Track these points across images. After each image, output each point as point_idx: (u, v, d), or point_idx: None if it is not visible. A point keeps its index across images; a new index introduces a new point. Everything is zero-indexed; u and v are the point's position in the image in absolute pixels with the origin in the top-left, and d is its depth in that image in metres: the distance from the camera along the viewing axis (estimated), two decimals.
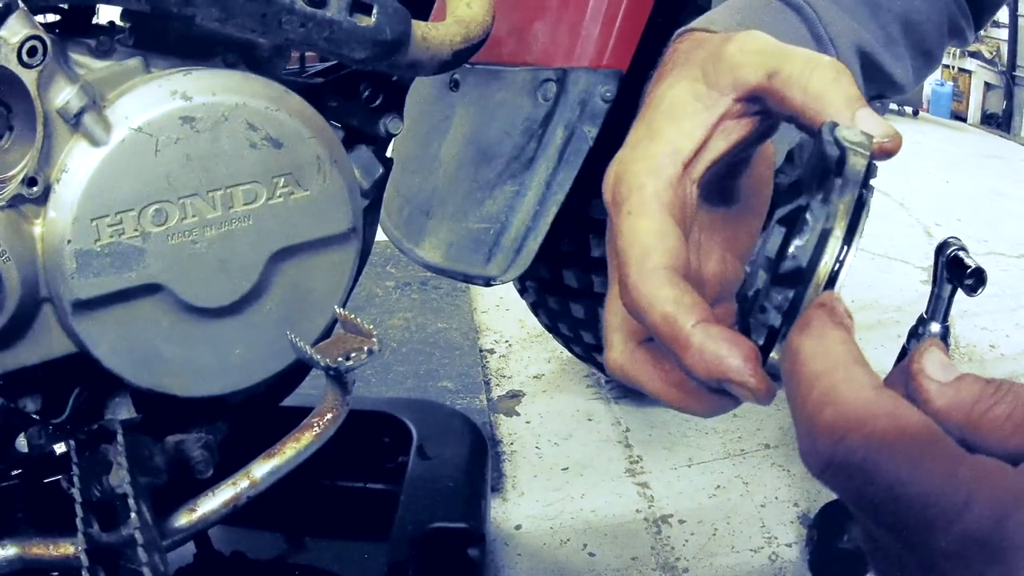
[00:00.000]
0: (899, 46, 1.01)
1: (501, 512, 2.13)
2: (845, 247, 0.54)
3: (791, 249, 0.55)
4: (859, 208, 0.54)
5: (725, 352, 0.56)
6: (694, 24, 0.77)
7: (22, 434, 1.08)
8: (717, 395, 0.61)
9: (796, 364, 0.50)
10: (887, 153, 0.58)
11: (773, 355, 0.56)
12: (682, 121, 0.64)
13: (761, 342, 0.57)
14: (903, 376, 0.52)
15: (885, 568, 0.50)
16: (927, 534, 0.44)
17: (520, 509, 2.16)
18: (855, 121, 0.58)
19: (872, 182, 0.57)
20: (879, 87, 1.02)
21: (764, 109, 0.64)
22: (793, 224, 0.56)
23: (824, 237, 0.54)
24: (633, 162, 0.64)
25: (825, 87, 0.59)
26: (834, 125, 0.55)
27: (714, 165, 0.65)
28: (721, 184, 0.70)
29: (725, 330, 0.57)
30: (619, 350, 0.67)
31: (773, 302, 0.56)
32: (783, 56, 0.62)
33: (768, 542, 2.05)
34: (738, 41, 0.64)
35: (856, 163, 0.54)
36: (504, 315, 3.17)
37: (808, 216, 0.55)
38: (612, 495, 2.22)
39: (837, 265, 0.54)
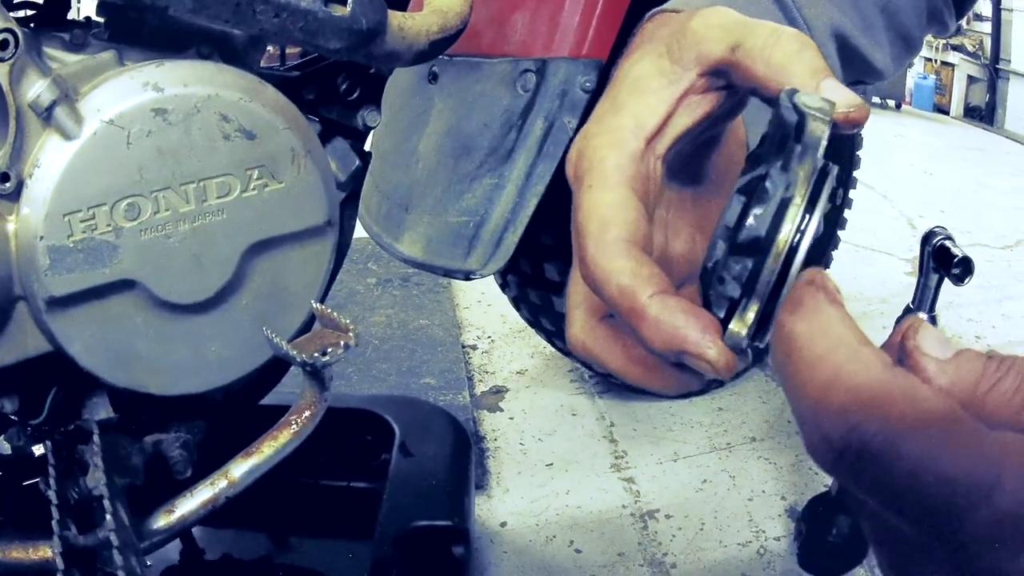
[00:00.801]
0: (877, 31, 1.00)
1: (486, 509, 2.12)
2: (807, 216, 0.52)
3: (750, 219, 0.53)
4: (822, 177, 0.53)
5: (682, 323, 0.54)
6: (665, 6, 0.76)
7: (2, 436, 1.07)
8: (678, 371, 0.59)
9: (792, 349, 0.48)
10: (853, 123, 0.57)
11: (732, 327, 0.54)
12: (646, 95, 0.64)
13: (722, 315, 0.55)
14: (893, 354, 0.50)
15: (901, 562, 0.49)
16: (955, 518, 0.42)
17: (505, 506, 2.14)
18: (820, 91, 0.56)
19: (855, 173, 0.56)
20: (857, 72, 1.01)
21: (729, 83, 0.64)
22: (752, 193, 0.54)
23: (784, 205, 0.52)
24: (595, 136, 0.64)
25: (788, 58, 0.59)
26: (793, 91, 0.53)
27: (680, 141, 0.65)
28: (690, 163, 0.70)
29: (683, 301, 0.55)
30: (580, 326, 0.66)
31: (732, 272, 0.54)
32: (746, 29, 0.61)
33: (756, 536, 2.04)
34: (702, 16, 0.64)
35: (816, 128, 0.52)
36: (486, 310, 3.16)
37: (768, 184, 0.53)
38: (597, 491, 2.21)
39: (798, 236, 0.52)
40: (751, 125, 0.72)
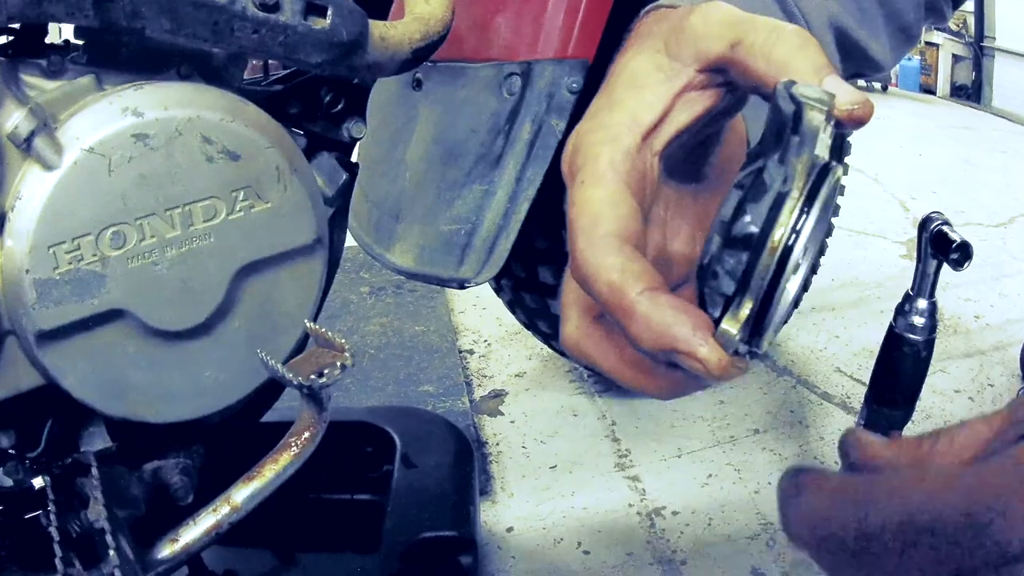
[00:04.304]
0: (875, 22, 0.99)
1: (491, 515, 2.11)
2: (804, 211, 0.51)
3: (746, 214, 0.53)
4: (824, 173, 0.52)
5: (671, 320, 0.53)
6: (662, 0, 0.75)
7: (1, 470, 1.06)
8: (672, 372, 0.58)
9: None
10: (858, 121, 0.56)
11: (724, 325, 0.53)
12: (643, 91, 0.63)
13: (717, 314, 0.54)
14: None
15: None
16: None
17: (510, 511, 2.13)
18: (825, 88, 0.55)
19: (846, 159, 0.55)
20: (856, 64, 1.00)
21: (728, 80, 0.63)
22: (749, 187, 0.53)
23: (781, 199, 0.51)
24: (590, 132, 0.63)
25: (790, 55, 0.58)
26: (791, 83, 0.52)
27: (678, 137, 0.64)
28: (690, 160, 0.69)
29: (674, 298, 0.55)
30: (573, 325, 0.65)
31: (725, 267, 0.53)
32: (746, 25, 0.60)
33: (764, 528, 2.03)
34: (701, 12, 0.63)
35: (813, 118, 0.51)
36: (481, 314, 3.15)
37: (765, 177, 0.52)
38: (603, 491, 2.20)
39: (793, 234, 0.51)
40: (752, 122, 0.71)
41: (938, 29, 7.44)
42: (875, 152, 4.78)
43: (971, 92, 7.28)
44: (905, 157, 5.15)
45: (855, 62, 0.99)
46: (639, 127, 0.62)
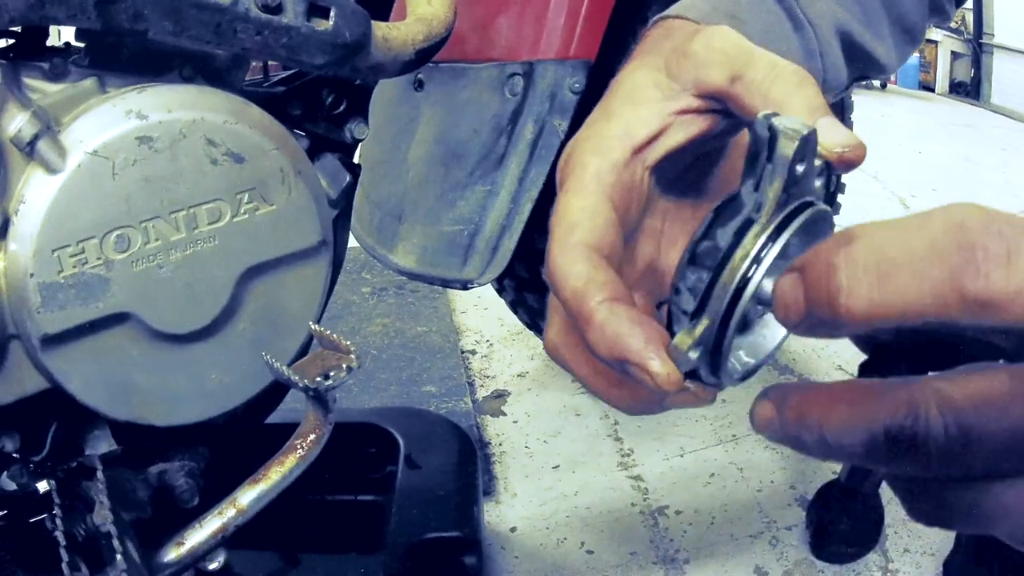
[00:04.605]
0: (880, 25, 0.99)
1: (495, 515, 2.11)
2: (770, 240, 0.51)
3: (715, 234, 0.53)
4: (801, 208, 0.52)
5: (626, 331, 0.54)
6: (670, 11, 0.76)
7: (4, 473, 1.05)
8: (636, 385, 0.58)
9: None
10: (848, 163, 0.57)
11: (675, 341, 0.53)
12: (639, 107, 0.64)
13: (676, 330, 0.54)
14: None
15: None
16: None
17: (514, 511, 2.13)
18: (818, 129, 0.55)
19: (840, 198, 0.55)
20: (862, 68, 1.00)
21: (725, 109, 0.63)
22: (723, 209, 0.54)
23: (747, 224, 0.52)
24: (584, 140, 0.64)
25: (786, 95, 0.59)
26: (773, 113, 0.52)
27: (672, 154, 0.65)
28: (690, 174, 0.70)
29: (632, 310, 0.55)
30: (555, 330, 0.66)
31: (687, 283, 0.54)
32: (747, 60, 0.61)
33: (767, 527, 2.03)
34: (704, 37, 0.64)
35: (785, 146, 0.51)
36: (483, 314, 3.15)
37: (738, 202, 0.53)
38: (606, 490, 2.20)
39: (753, 263, 0.51)
40: None
41: (937, 26, 7.43)
42: (874, 149, 4.72)
43: (970, 89, 7.28)
44: (904, 154, 5.15)
45: (861, 65, 0.99)
46: (631, 140, 0.63)
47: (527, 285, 2.18)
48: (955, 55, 7.49)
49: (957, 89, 7.44)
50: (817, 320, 0.47)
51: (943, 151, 5.30)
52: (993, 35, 7.03)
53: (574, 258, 0.58)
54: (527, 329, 2.51)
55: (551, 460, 2.33)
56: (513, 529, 2.07)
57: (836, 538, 1.89)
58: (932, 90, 7.60)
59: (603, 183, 0.62)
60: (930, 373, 0.48)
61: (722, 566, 1.93)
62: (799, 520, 2.03)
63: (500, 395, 2.64)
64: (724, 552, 1.97)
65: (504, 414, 2.54)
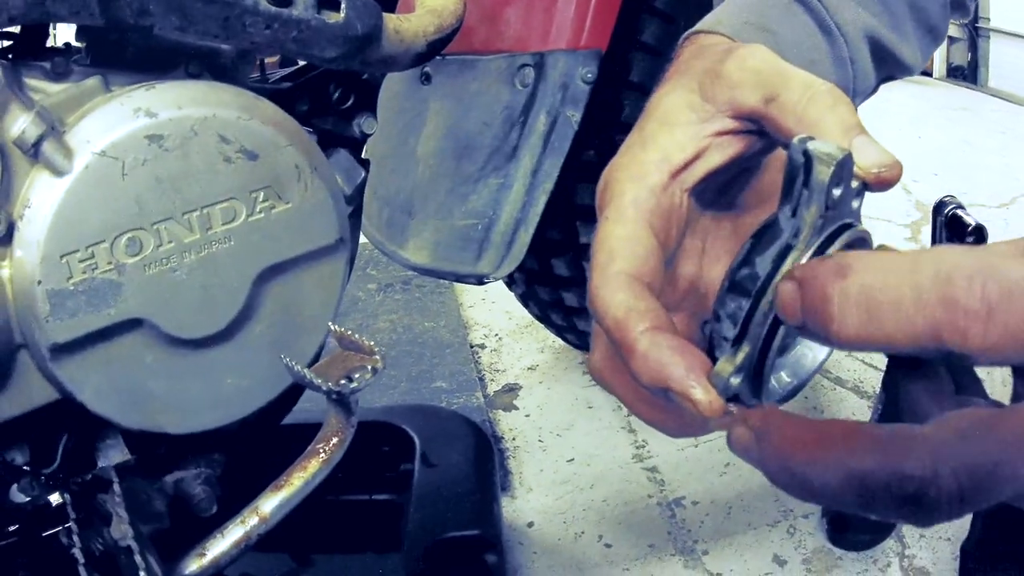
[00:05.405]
0: (905, 27, 1.00)
1: (511, 510, 2.10)
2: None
3: (755, 261, 0.53)
4: (839, 231, 0.53)
5: (668, 360, 0.54)
6: (701, 25, 0.77)
7: (15, 486, 1.03)
8: (679, 411, 0.58)
9: None
10: (884, 183, 0.56)
11: (717, 368, 0.53)
12: (675, 130, 0.65)
13: (719, 356, 0.55)
14: None
15: None
16: None
17: (530, 505, 2.12)
18: (852, 149, 0.56)
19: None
20: (888, 69, 1.01)
21: (761, 129, 0.63)
22: (761, 236, 0.54)
23: (786, 251, 0.52)
24: (620, 168, 0.65)
25: (821, 115, 0.59)
26: (808, 138, 0.52)
27: (710, 176, 0.65)
28: (728, 190, 0.70)
29: (674, 338, 0.56)
30: (598, 356, 0.67)
31: (727, 310, 0.54)
32: (780, 80, 0.61)
33: (784, 515, 2.02)
34: (738, 58, 0.64)
35: (821, 171, 0.51)
36: (491, 308, 3.13)
37: (776, 228, 0.53)
38: (622, 482, 2.19)
39: None
40: None
41: (956, 22, 7.44)
42: (875, 135, 4.74)
43: (967, 73, 7.26)
44: (905, 140, 5.13)
45: (888, 68, 1.00)
46: (668, 165, 0.63)
47: (538, 278, 2.17)
48: (951, 39, 7.47)
49: (954, 73, 7.42)
50: (810, 335, 0.49)
51: (943, 136, 5.28)
52: (989, 19, 7.01)
53: (615, 287, 0.59)
54: (536, 322, 2.50)
55: (565, 453, 2.31)
56: (530, 524, 2.05)
57: (853, 526, 1.89)
58: (930, 75, 7.58)
59: (642, 209, 0.62)
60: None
61: (741, 556, 1.92)
62: (816, 508, 2.02)
63: (511, 389, 2.62)
64: (742, 542, 1.96)
65: (516, 408, 2.53)
